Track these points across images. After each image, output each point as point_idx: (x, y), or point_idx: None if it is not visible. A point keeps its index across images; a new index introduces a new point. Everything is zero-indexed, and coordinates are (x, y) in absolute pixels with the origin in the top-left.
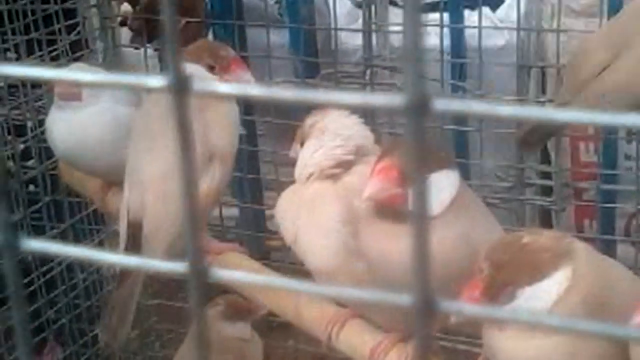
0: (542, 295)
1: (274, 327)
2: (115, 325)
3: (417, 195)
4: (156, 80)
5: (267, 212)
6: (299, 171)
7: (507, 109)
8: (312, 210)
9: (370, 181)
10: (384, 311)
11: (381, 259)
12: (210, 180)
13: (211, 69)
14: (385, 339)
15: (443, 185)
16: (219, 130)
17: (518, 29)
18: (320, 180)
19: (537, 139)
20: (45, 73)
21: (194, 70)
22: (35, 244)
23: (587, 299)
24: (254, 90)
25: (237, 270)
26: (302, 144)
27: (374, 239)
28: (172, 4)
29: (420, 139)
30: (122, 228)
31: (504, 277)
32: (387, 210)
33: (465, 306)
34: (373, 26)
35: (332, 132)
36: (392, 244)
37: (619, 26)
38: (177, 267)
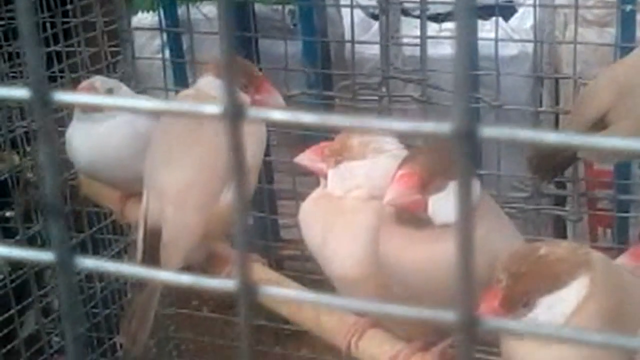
0: (561, 304)
1: (287, 336)
2: (134, 331)
3: (461, 218)
4: (212, 108)
5: (281, 221)
6: (342, 184)
7: (554, 136)
8: (347, 219)
9: (390, 187)
10: (404, 321)
11: (397, 264)
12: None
13: (244, 87)
14: (404, 348)
15: None
16: (248, 145)
17: (535, 41)
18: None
19: (552, 167)
20: (105, 100)
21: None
22: (90, 262)
23: (604, 307)
24: (308, 117)
25: (285, 288)
26: (337, 160)
27: (392, 244)
28: (230, 43)
29: (468, 165)
30: (140, 237)
31: (522, 288)
32: (406, 216)
33: (509, 323)
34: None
35: (389, 154)
36: (409, 249)
37: (624, 70)
38: (227, 284)
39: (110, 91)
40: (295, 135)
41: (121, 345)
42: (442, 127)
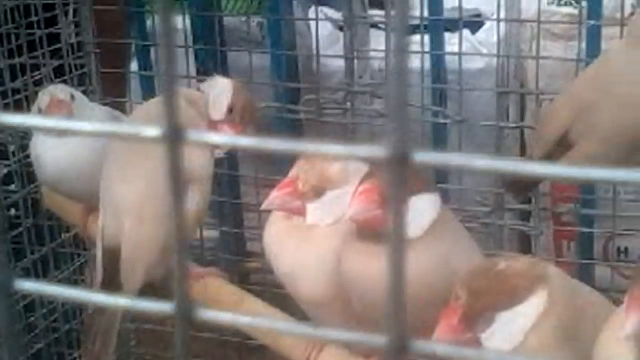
0: (520, 319)
1: (252, 350)
2: (98, 351)
3: (395, 242)
4: (151, 131)
5: (247, 235)
6: (329, 215)
7: (484, 162)
8: (316, 245)
9: (352, 203)
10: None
11: (357, 280)
12: (191, 205)
13: (231, 120)
14: None
15: (423, 209)
16: (195, 157)
17: (498, 56)
18: None
19: (526, 185)
20: (41, 122)
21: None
22: (29, 285)
23: (563, 321)
24: (244, 141)
25: (224, 312)
26: (317, 193)
27: (353, 261)
28: (171, 60)
29: (401, 189)
30: (99, 256)
31: (482, 304)
32: (368, 232)
33: (438, 347)
34: (355, 53)
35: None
36: (369, 265)
37: (581, 87)
38: (165, 307)
39: (73, 98)
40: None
41: None
42: (376, 151)
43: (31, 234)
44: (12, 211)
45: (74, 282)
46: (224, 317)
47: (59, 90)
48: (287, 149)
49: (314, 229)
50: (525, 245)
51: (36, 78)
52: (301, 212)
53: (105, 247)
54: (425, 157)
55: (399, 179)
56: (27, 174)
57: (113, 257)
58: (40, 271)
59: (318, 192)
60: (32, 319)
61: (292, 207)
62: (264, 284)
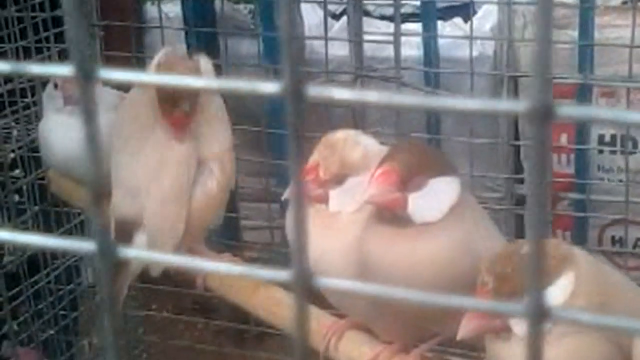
0: (548, 301)
1: (246, 339)
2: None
3: (536, 207)
4: (270, 86)
5: (242, 223)
6: (350, 200)
7: (637, 116)
8: (341, 231)
9: (370, 185)
10: (383, 322)
11: (379, 263)
12: (210, 185)
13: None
14: (384, 349)
15: (443, 192)
16: (210, 135)
17: (500, 39)
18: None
19: None
20: (151, 78)
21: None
22: (131, 252)
23: (591, 301)
24: (373, 96)
25: (339, 280)
26: (338, 180)
27: (374, 243)
28: (290, 16)
29: (544, 144)
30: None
31: (509, 288)
32: (387, 214)
33: (577, 314)
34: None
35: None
36: (391, 248)
37: None
38: (281, 275)
39: None
40: (257, 135)
41: (90, 347)
42: (517, 105)
43: (38, 219)
44: (16, 197)
45: (80, 268)
46: (343, 284)
47: None
48: (419, 104)
49: (337, 216)
50: (521, 234)
51: (41, 61)
52: (323, 200)
53: (116, 224)
54: (568, 110)
55: (541, 134)
56: (33, 159)
57: (124, 234)
58: (48, 257)
59: (339, 179)
60: (41, 306)
61: (314, 195)
62: None
